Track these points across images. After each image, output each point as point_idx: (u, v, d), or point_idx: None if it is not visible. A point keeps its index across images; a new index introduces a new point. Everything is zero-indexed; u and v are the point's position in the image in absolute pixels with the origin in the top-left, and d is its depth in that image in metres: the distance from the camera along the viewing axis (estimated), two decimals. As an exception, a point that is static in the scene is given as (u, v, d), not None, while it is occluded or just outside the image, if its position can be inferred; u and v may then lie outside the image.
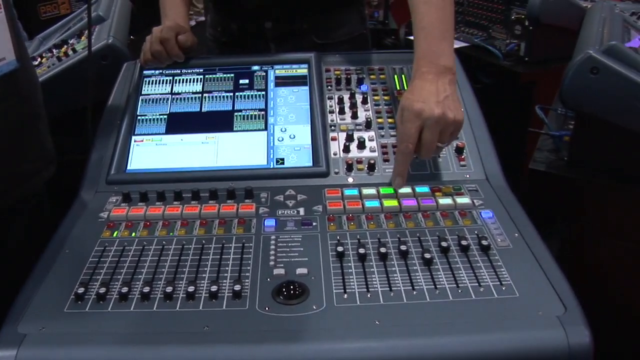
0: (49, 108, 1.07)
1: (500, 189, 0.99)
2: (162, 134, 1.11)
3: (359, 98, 1.15)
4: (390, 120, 1.11)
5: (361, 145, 1.06)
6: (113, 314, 0.75)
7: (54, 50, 1.46)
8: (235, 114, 1.13)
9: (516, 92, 1.94)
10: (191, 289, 0.77)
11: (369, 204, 0.94)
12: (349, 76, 1.19)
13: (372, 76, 1.20)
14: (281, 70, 1.20)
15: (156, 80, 1.20)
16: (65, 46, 1.46)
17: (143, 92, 1.18)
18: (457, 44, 2.06)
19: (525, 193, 1.39)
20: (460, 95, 1.14)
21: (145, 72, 1.21)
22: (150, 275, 0.81)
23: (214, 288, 0.77)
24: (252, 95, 1.16)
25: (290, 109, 1.14)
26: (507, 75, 1.93)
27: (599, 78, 1.10)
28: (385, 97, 1.16)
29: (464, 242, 0.84)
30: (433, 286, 0.77)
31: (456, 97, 0.95)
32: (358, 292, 0.77)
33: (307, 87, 1.16)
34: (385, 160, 1.04)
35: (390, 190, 0.97)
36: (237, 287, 0.77)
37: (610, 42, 1.13)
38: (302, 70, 1.20)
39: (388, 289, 0.77)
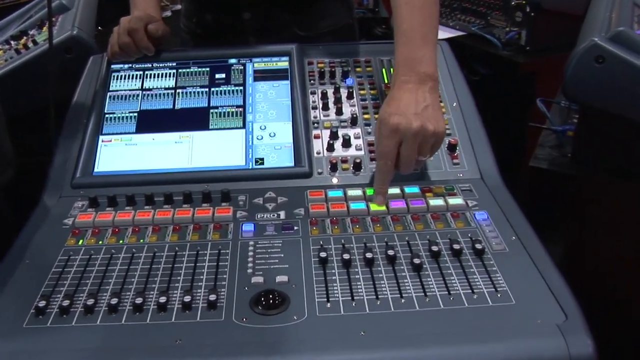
0: (7, 106, 1.08)
1: (496, 188, 1.00)
2: (132, 133, 1.12)
3: (343, 92, 1.16)
4: (377, 116, 1.11)
5: (346, 143, 1.07)
6: (77, 329, 0.75)
7: (12, 42, 1.46)
8: (211, 111, 1.14)
9: (516, 84, 1.96)
10: (163, 299, 0.77)
11: (354, 206, 0.95)
12: (333, 69, 1.20)
13: (358, 69, 1.21)
14: (260, 64, 1.21)
15: (125, 75, 1.20)
16: (25, 37, 1.46)
17: (111, 88, 1.18)
18: (453, 33, 2.08)
19: (525, 192, 1.40)
20: (453, 88, 1.15)
21: (113, 66, 1.22)
22: (119, 286, 0.81)
23: (187, 298, 0.78)
24: (229, 91, 1.17)
25: (270, 105, 1.15)
26: (506, 66, 1.95)
27: (605, 67, 1.10)
28: (372, 92, 1.17)
29: (456, 246, 0.85)
30: (423, 294, 0.78)
31: (437, 107, 0.96)
32: (342, 300, 0.78)
33: (288, 82, 1.17)
34: (372, 159, 1.05)
35: (377, 191, 0.98)
36: (213, 297, 0.78)
37: (618, 28, 1.13)
38: (283, 64, 1.21)
39: (374, 297, 0.78)
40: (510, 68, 1.94)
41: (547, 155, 1.35)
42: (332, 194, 0.98)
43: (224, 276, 0.82)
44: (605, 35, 1.13)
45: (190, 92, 1.17)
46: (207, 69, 1.20)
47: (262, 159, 1.07)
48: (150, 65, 1.22)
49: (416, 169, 0.99)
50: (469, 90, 1.16)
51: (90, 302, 0.77)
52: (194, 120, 1.13)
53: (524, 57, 1.94)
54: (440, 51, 1.23)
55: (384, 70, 1.21)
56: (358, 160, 1.04)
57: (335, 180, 1.03)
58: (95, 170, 1.07)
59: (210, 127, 1.12)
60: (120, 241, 0.90)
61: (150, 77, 1.20)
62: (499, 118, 1.70)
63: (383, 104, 0.98)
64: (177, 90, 1.17)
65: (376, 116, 1.11)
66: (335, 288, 0.80)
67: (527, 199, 1.14)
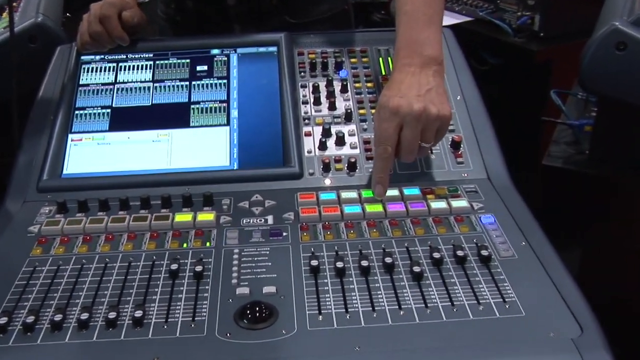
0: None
1: (504, 189, 1.01)
2: (105, 131, 1.12)
3: (337, 85, 1.17)
4: (374, 111, 1.12)
5: (340, 141, 1.08)
6: (43, 348, 0.75)
7: (-30, 32, 1.46)
8: (192, 106, 1.15)
9: (529, 74, 1.97)
10: (139, 313, 0.78)
11: (348, 209, 0.96)
12: (325, 60, 1.21)
13: (352, 59, 1.22)
14: (246, 54, 1.22)
15: (97, 68, 1.21)
16: (-17, 26, 1.46)
17: (81, 82, 1.19)
18: (459, 19, 2.09)
19: (537, 194, 1.40)
20: (457, 80, 1.16)
21: (83, 57, 1.22)
22: (90, 299, 0.82)
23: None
24: (211, 84, 1.18)
25: (257, 100, 1.15)
26: (518, 55, 1.96)
27: (627, 55, 1.10)
28: (369, 84, 1.18)
29: (460, 253, 0.86)
30: (423, 305, 0.79)
31: (442, 90, 0.98)
32: (335, 313, 0.78)
33: (276, 74, 1.18)
34: (369, 159, 1.06)
35: (373, 194, 0.99)
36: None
37: (642, 10, 1.12)
38: (271, 54, 1.22)
39: (370, 308, 0.79)
40: (523, 57, 1.95)
41: (562, 152, 1.36)
42: (324, 196, 0.99)
43: (206, 287, 0.83)
44: (627, 19, 1.12)
45: (168, 86, 1.18)
46: (188, 60, 1.21)
47: (248, 159, 1.07)
48: (124, 57, 1.22)
49: (420, 157, 1.00)
50: (475, 81, 1.17)
51: (58, 317, 0.78)
52: (173, 116, 1.13)
53: (537, 45, 1.95)
54: (443, 39, 1.24)
55: (381, 60, 1.22)
56: (353, 160, 1.05)
57: (327, 182, 1.04)
58: (64, 172, 1.08)
59: (191, 124, 1.13)
60: (93, 250, 0.91)
61: (124, 69, 1.21)
62: (508, 112, 1.71)
63: (383, 89, 0.99)
64: (155, 84, 1.18)
65: (373, 111, 1.13)
66: (327, 299, 0.80)
67: (540, 200, 1.14)
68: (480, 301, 0.79)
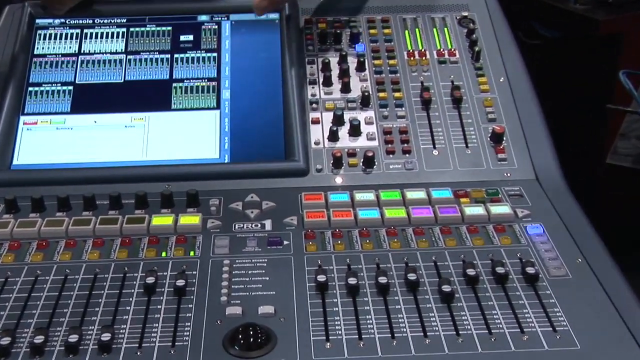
0: None
1: (556, 193, 1.02)
2: (66, 113, 1.14)
3: (352, 62, 1.18)
4: (397, 94, 1.14)
5: (355, 131, 1.10)
6: (-12, 379, 0.77)
7: None
8: (174, 85, 1.17)
9: (592, 51, 1.96)
10: (106, 337, 0.79)
11: (364, 214, 0.98)
12: (338, 30, 1.22)
13: (372, 30, 1.24)
14: (241, 22, 1.24)
15: (56, 34, 1.23)
16: None
17: (36, 52, 1.21)
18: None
19: (600, 199, 1.40)
20: (500, 57, 1.18)
21: (38, 21, 1.24)
22: (46, 319, 0.83)
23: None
24: (198, 58, 1.20)
25: (254, 79, 1.17)
26: (579, 25, 1.95)
27: None
28: (391, 61, 1.19)
29: (500, 270, 0.87)
30: (454, 332, 0.80)
31: None
32: (346, 339, 0.80)
33: (278, 47, 1.20)
34: (390, 152, 1.08)
35: (395, 195, 1.01)
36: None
37: None
38: (271, 22, 1.24)
39: (389, 335, 0.80)
40: (584, 28, 1.94)
41: (632, 148, 1.36)
42: (334, 198, 1.01)
43: (189, 306, 0.85)
44: None
45: (145, 60, 1.19)
46: (169, 28, 1.23)
47: (242, 151, 1.09)
48: (90, 22, 1.24)
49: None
50: (523, 59, 1.18)
51: (6, 341, 0.78)
52: (151, 97, 1.16)
53: (603, 13, 1.93)
54: (485, 5, 1.26)
55: (407, 32, 1.23)
56: (370, 154, 1.06)
57: (339, 180, 1.06)
58: (15, 162, 1.09)
59: (173, 106, 1.15)
60: (50, 258, 0.92)
61: (90, 37, 1.22)
62: (565, 98, 1.71)
63: None
64: (128, 57, 1.20)
65: (395, 95, 1.14)
66: (337, 323, 0.82)
67: (601, 207, 1.14)
68: (525, 330, 0.81)
